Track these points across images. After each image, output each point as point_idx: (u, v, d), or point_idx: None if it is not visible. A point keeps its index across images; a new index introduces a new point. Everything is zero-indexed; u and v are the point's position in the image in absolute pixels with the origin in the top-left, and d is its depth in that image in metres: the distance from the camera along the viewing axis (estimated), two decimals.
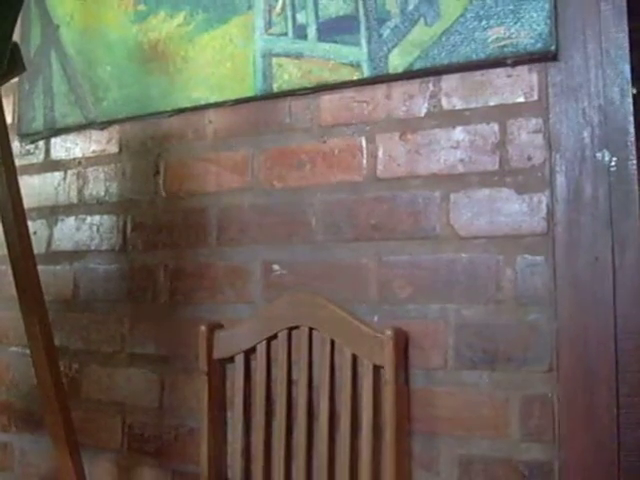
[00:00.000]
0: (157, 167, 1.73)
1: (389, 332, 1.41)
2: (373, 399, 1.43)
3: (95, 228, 1.82)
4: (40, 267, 1.46)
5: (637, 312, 1.34)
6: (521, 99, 1.40)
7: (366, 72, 1.49)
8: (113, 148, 1.80)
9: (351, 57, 1.50)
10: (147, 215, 1.74)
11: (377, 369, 1.43)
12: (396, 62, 1.46)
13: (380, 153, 1.50)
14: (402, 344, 1.44)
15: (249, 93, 1.59)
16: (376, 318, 1.49)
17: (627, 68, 1.37)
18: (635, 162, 1.36)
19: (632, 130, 1.36)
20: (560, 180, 1.38)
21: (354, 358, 1.46)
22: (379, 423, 1.43)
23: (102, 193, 1.81)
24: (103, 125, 1.81)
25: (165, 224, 1.71)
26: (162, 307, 1.72)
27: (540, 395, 1.37)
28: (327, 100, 1.55)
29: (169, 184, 1.71)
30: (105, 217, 1.81)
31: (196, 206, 1.68)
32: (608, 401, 1.34)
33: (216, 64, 1.63)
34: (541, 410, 1.37)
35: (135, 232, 1.76)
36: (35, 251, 1.77)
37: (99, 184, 1.82)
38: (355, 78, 1.50)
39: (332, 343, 1.49)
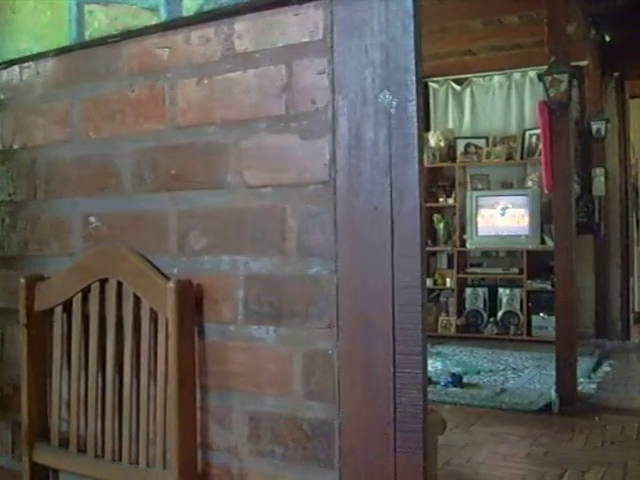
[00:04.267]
0: None
1: (171, 284, 1.37)
2: (164, 352, 1.40)
3: None
4: None
5: (415, 264, 1.26)
6: (306, 38, 1.32)
7: (163, 16, 1.43)
8: None
9: (150, 1, 1.44)
10: None
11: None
12: (189, 5, 1.40)
13: (180, 100, 1.45)
14: (190, 297, 1.40)
15: (65, 42, 1.56)
16: (175, 270, 1.45)
17: (409, 1, 1.26)
18: (415, 104, 1.26)
19: (414, 69, 1.26)
20: (342, 124, 1.30)
21: (152, 311, 1.43)
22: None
23: None
24: None
25: (2, 178, 1.71)
26: (1, 260, 1.72)
27: (321, 352, 1.31)
28: (134, 47, 1.50)
29: (5, 137, 1.70)
30: None
31: (28, 159, 1.66)
32: (385, 359, 1.27)
33: (38, 13, 1.60)
34: (323, 367, 1.31)
35: None
36: None
37: None
38: (154, 22, 1.44)
39: (135, 296, 1.46)
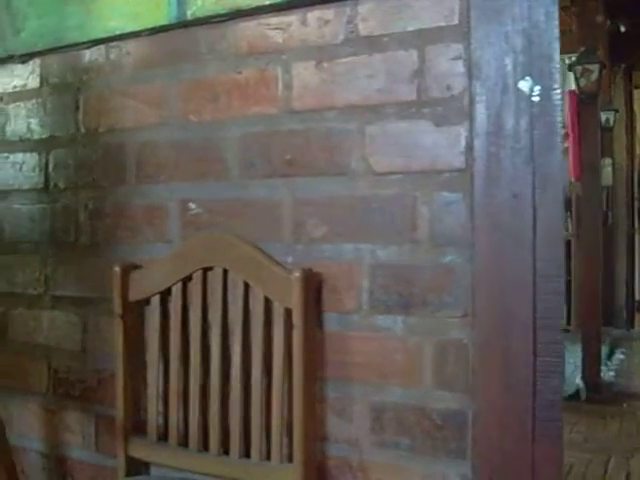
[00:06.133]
0: (77, 102, 1.65)
1: (297, 274, 1.33)
2: (284, 343, 1.36)
3: (18, 167, 1.75)
4: None
5: (557, 253, 1.25)
6: (441, 23, 1.29)
7: None
8: (34, 83, 1.72)
9: None
10: (68, 152, 1.67)
11: (288, 312, 1.35)
12: None
13: (295, 83, 1.41)
14: (312, 286, 1.37)
15: (163, 21, 1.50)
16: (290, 259, 1.42)
17: None
18: (559, 92, 1.25)
19: (557, 57, 1.25)
20: (480, 111, 1.28)
21: (267, 300, 1.39)
22: (291, 368, 1.36)
23: (24, 130, 1.74)
24: (24, 58, 1.72)
25: (85, 162, 1.64)
26: (84, 248, 1.65)
27: (455, 341, 1.29)
28: (242, 28, 1.45)
29: (89, 120, 1.63)
30: (28, 155, 1.73)
31: (115, 143, 1.60)
32: (524, 348, 1.26)
33: None
34: (456, 357, 1.29)
35: (57, 170, 1.69)
36: None
37: (21, 121, 1.74)
38: (268, 2, 1.40)
39: (245, 285, 1.42)
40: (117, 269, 1.51)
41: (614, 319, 5.86)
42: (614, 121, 5.44)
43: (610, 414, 3.51)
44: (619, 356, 4.85)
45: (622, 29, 4.72)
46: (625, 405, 3.66)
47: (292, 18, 1.41)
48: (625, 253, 5.64)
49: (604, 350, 5.14)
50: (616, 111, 5.45)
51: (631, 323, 5.72)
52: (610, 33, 5.05)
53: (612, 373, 4.35)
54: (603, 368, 4.52)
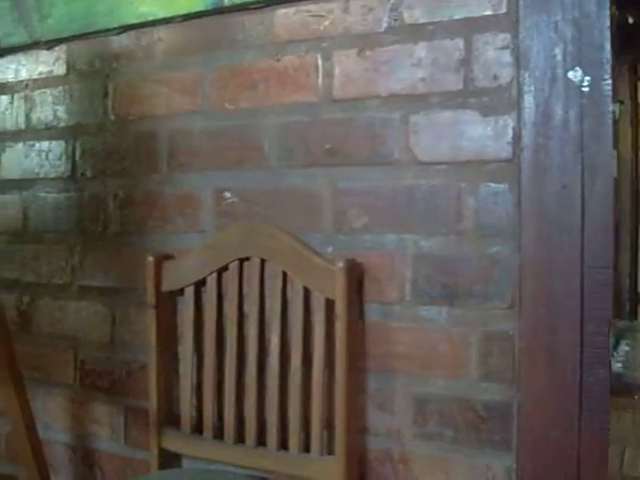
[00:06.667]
0: (106, 89, 1.62)
1: (340, 264, 1.32)
2: (325, 334, 1.35)
3: (44, 155, 1.72)
4: None
5: (606, 245, 1.25)
6: (488, 12, 1.28)
7: None
8: (61, 69, 1.69)
9: None
10: (96, 140, 1.64)
11: (329, 303, 1.34)
12: None
13: (336, 71, 1.39)
14: (355, 277, 1.35)
15: (199, 7, 1.47)
16: (330, 249, 1.40)
17: None
18: (610, 82, 1.25)
19: (608, 47, 1.24)
20: (528, 101, 1.27)
21: (306, 291, 1.38)
22: (331, 359, 1.35)
23: (50, 117, 1.71)
24: (50, 44, 1.69)
25: (114, 149, 1.61)
26: (112, 237, 1.63)
27: (500, 332, 1.28)
28: (282, 14, 1.43)
29: (118, 107, 1.60)
30: (54, 143, 1.70)
31: (146, 130, 1.57)
32: (572, 339, 1.26)
33: None
34: (501, 348, 1.29)
35: (84, 158, 1.66)
36: None
37: (47, 108, 1.71)
38: None
39: (284, 275, 1.41)
40: (151, 259, 1.49)
41: (618, 310, 5.88)
42: (619, 113, 5.44)
43: (622, 406, 3.52)
44: (624, 347, 4.87)
45: (630, 20, 4.72)
46: (636, 397, 3.67)
47: (333, 5, 1.39)
48: (629, 245, 5.65)
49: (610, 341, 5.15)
50: (621, 103, 5.45)
51: (634, 314, 5.74)
52: (617, 24, 5.02)
53: (619, 364, 4.36)
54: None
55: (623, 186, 5.60)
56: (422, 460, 1.35)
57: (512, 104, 1.27)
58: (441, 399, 1.33)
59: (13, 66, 1.78)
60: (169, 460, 1.52)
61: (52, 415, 1.73)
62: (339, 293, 1.32)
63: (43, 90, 1.72)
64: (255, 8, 1.44)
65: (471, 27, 1.29)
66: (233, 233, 1.47)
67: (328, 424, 1.37)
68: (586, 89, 1.24)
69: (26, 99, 1.75)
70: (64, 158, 1.69)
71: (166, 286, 1.50)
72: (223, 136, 1.49)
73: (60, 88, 1.69)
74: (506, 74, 1.27)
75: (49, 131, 1.71)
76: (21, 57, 1.75)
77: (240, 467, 1.45)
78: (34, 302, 1.76)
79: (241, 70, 1.47)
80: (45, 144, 1.72)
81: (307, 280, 1.37)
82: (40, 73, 1.72)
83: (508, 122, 1.27)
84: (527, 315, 1.29)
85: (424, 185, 1.33)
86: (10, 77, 1.79)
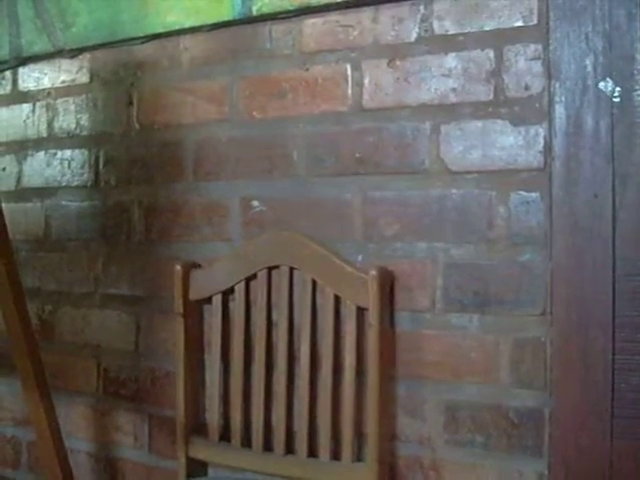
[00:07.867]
0: (130, 97, 1.63)
1: (373, 272, 1.33)
2: (356, 342, 1.36)
3: (66, 163, 1.72)
4: (10, 205, 1.38)
5: (637, 253, 1.27)
6: (519, 23, 1.29)
7: None
8: (84, 78, 1.69)
9: None
10: (120, 149, 1.64)
11: (361, 311, 1.35)
12: None
13: (366, 81, 1.40)
14: (387, 285, 1.36)
15: (227, 17, 1.48)
16: (360, 257, 1.41)
17: None
18: None
19: (639, 58, 1.26)
20: (559, 111, 1.28)
21: (337, 299, 1.39)
22: (362, 367, 1.36)
23: (73, 126, 1.71)
24: (73, 53, 1.69)
25: (139, 158, 1.62)
26: (137, 246, 1.63)
27: (532, 339, 1.30)
28: (310, 24, 1.44)
29: (143, 116, 1.61)
30: (76, 151, 1.71)
31: (171, 139, 1.58)
32: (603, 346, 1.27)
33: None
34: (533, 355, 1.30)
35: (108, 167, 1.66)
36: (4, 188, 1.70)
37: (70, 116, 1.71)
38: (340, 0, 1.39)
39: (314, 283, 1.41)
40: (178, 267, 1.49)
41: None
42: None
43: None
44: None
45: None
46: None
47: (363, 15, 1.40)
48: None
49: None
50: None
51: None
52: None
53: None
54: None
55: None
56: (453, 466, 1.36)
57: (543, 114, 1.28)
58: (472, 406, 1.34)
59: (35, 74, 1.78)
60: (196, 469, 1.52)
61: (75, 424, 1.73)
62: (372, 301, 1.33)
63: (66, 98, 1.72)
64: (283, 18, 1.45)
65: (502, 38, 1.31)
66: (262, 242, 1.47)
67: (358, 431, 1.38)
68: (617, 99, 1.26)
69: (48, 107, 1.75)
70: (87, 166, 1.69)
71: (194, 294, 1.51)
72: (251, 145, 1.50)
73: (83, 96, 1.69)
74: (537, 84, 1.29)
75: (71, 139, 1.71)
76: (44, 65, 1.76)
77: (268, 475, 1.46)
78: (56, 311, 1.75)
79: (269, 79, 1.48)
80: (67, 152, 1.72)
81: (338, 288, 1.38)
82: (63, 81, 1.72)
83: (539, 132, 1.29)
84: (559, 322, 1.30)
85: (455, 194, 1.34)
86: (32, 85, 1.79)
